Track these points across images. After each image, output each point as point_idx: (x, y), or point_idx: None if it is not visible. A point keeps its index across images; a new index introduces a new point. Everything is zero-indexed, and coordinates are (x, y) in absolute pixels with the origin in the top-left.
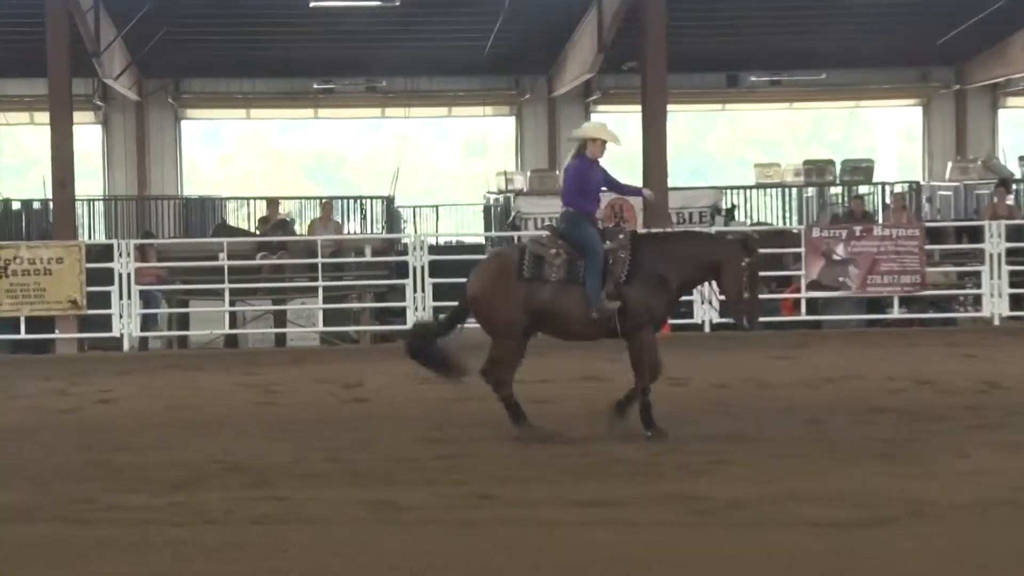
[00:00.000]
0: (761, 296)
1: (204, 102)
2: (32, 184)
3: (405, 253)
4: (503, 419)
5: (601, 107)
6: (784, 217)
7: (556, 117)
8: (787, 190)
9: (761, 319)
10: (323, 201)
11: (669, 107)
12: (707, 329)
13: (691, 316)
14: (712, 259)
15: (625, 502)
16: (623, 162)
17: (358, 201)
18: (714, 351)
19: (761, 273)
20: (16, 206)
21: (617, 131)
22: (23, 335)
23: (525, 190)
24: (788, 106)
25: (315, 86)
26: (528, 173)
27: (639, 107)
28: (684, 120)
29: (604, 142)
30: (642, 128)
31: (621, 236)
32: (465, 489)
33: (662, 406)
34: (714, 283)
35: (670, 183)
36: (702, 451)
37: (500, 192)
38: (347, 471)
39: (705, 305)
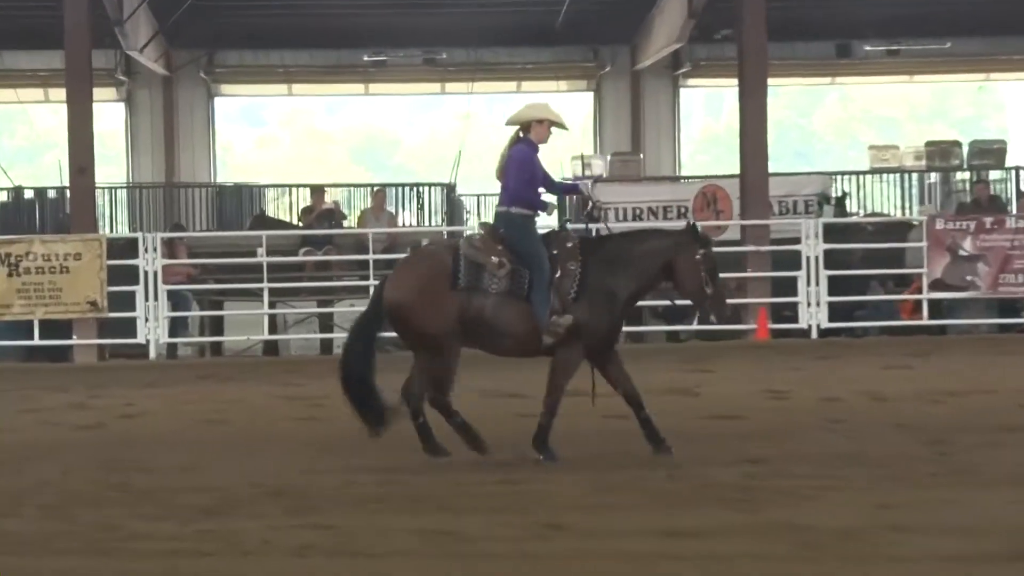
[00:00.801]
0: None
1: (240, 76)
2: (47, 170)
3: None
4: (576, 438)
5: (692, 81)
6: (903, 207)
7: (640, 93)
8: (906, 176)
9: (877, 323)
10: (375, 189)
11: (770, 81)
12: (814, 335)
13: (795, 320)
14: (665, 258)
15: (718, 532)
16: (721, 143)
17: (414, 189)
18: (822, 359)
19: (878, 271)
20: (29, 195)
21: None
22: (37, 341)
23: (605, 176)
24: (907, 79)
25: (366, 58)
26: (608, 157)
27: (735, 81)
28: (787, 96)
29: (550, 124)
30: (739, 105)
31: (570, 244)
32: (533, 518)
33: (761, 419)
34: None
35: (771, 167)
36: (807, 474)
37: (576, 178)
38: (401, 496)
39: (812, 308)
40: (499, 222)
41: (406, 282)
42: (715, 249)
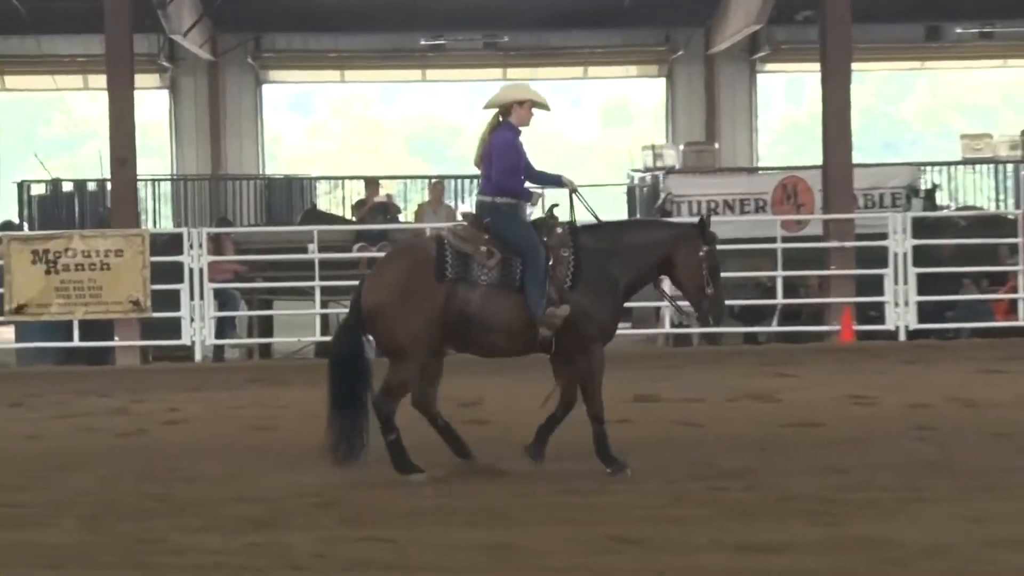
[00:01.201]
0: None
1: (290, 62)
2: (86, 161)
3: None
4: (647, 446)
5: (770, 65)
6: (997, 199)
7: (715, 78)
8: (1001, 167)
9: (970, 325)
10: (433, 181)
11: (855, 65)
12: (902, 336)
13: (882, 321)
14: (664, 251)
15: (800, 547)
16: (802, 131)
17: (474, 181)
18: (910, 363)
19: (971, 269)
20: (67, 187)
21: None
22: (76, 342)
23: (677, 167)
24: (1001, 63)
25: (423, 42)
26: (681, 147)
27: (817, 65)
28: (873, 81)
29: (531, 105)
30: (821, 91)
31: (560, 230)
32: (602, 531)
33: (845, 427)
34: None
35: (856, 158)
36: (895, 485)
37: (647, 170)
38: (462, 508)
39: (900, 308)
40: (484, 212)
41: (388, 279)
42: (797, 245)
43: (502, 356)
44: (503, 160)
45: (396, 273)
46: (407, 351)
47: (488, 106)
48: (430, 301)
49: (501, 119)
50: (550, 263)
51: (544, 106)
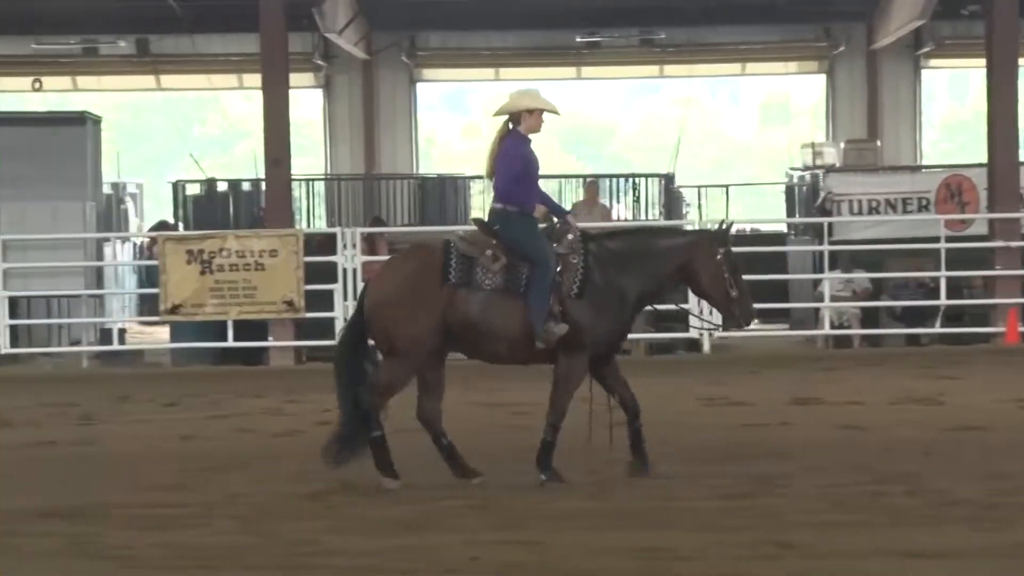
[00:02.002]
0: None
1: (444, 60)
2: (241, 161)
3: None
4: (807, 448)
5: (935, 61)
6: None
7: (877, 75)
8: None
9: None
10: (587, 180)
11: (1022, 60)
12: None
13: None
14: (680, 259)
15: (964, 554)
16: (967, 129)
17: (630, 180)
18: None
19: None
20: (222, 187)
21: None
22: (231, 342)
23: (838, 165)
24: None
25: (578, 39)
26: (842, 145)
27: (983, 61)
28: None
29: (541, 112)
30: (987, 87)
31: (570, 237)
32: (758, 535)
33: (1011, 430)
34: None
35: (1023, 156)
36: None
37: (806, 168)
38: (612, 511)
39: None
40: (495, 220)
41: (392, 278)
42: (961, 245)
43: (505, 363)
44: (508, 169)
45: (400, 275)
46: (403, 351)
47: (498, 113)
48: (431, 305)
49: (511, 127)
50: (559, 270)
51: (554, 111)
